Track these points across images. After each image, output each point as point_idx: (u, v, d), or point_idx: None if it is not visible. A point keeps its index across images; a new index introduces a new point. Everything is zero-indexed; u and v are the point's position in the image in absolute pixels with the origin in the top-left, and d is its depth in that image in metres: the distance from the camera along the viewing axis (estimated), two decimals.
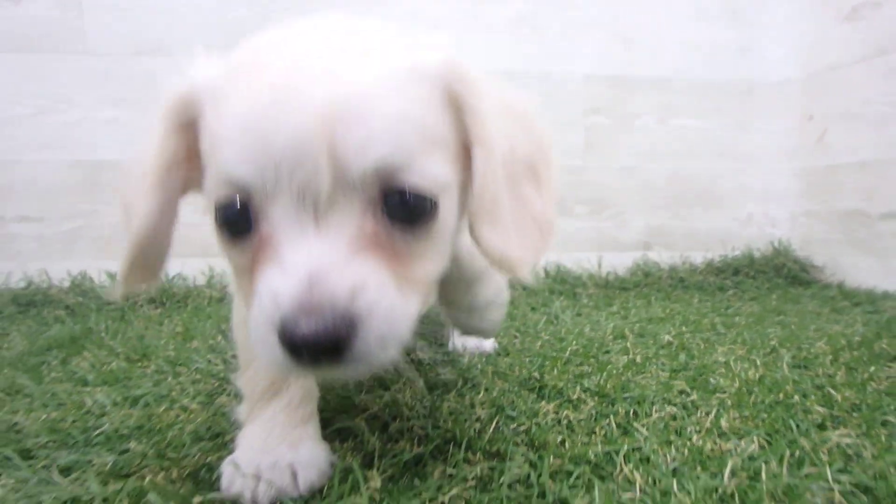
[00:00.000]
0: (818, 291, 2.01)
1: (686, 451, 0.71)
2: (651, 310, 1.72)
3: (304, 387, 0.72)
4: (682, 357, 1.15)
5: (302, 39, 0.57)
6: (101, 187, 2.05)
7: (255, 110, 0.51)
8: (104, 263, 2.01)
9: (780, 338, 1.31)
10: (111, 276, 1.99)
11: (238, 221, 0.54)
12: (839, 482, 0.62)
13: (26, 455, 0.73)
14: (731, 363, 1.09)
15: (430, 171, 0.54)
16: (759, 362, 1.10)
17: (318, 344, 0.47)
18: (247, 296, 0.55)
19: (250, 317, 0.52)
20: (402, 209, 0.54)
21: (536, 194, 0.65)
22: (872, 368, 1.04)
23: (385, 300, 0.51)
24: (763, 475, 0.63)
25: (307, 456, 0.67)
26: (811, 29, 2.23)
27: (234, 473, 0.64)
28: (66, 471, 0.68)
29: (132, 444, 0.75)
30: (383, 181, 0.52)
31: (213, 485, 0.65)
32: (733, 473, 0.64)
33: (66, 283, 1.96)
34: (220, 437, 0.78)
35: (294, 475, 0.64)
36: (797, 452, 0.69)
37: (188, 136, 0.59)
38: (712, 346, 1.25)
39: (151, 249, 0.62)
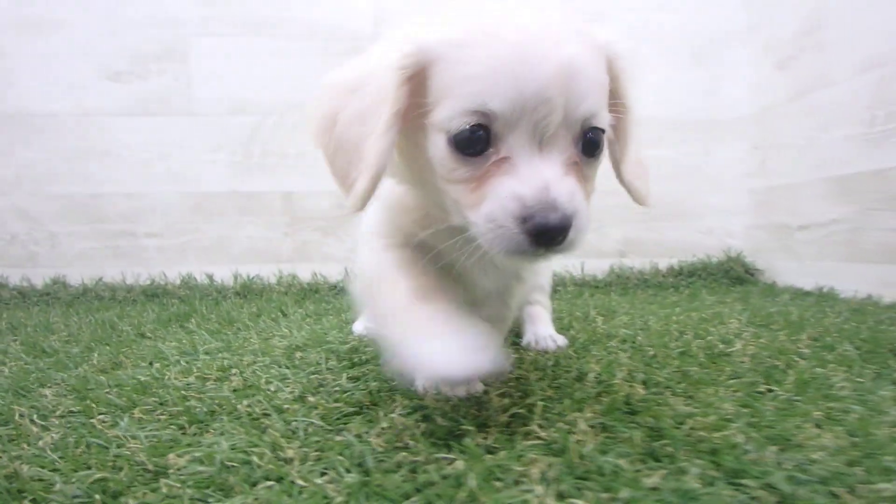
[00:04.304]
0: (748, 288, 2.50)
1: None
2: (606, 301, 2.26)
3: (452, 301, 0.82)
4: (590, 324, 1.72)
5: (517, 15, 0.72)
6: (203, 211, 2.79)
7: (508, 60, 0.67)
8: (205, 267, 2.76)
9: (665, 315, 1.85)
10: (209, 276, 2.73)
11: (476, 143, 0.70)
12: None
13: (170, 360, 1.40)
14: (622, 324, 1.66)
15: (606, 119, 0.75)
16: (626, 321, 1.66)
17: (557, 230, 0.67)
18: (467, 201, 0.72)
19: (481, 213, 0.70)
20: (590, 144, 0.74)
21: (636, 144, 0.86)
22: (694, 334, 1.59)
23: (584, 205, 0.71)
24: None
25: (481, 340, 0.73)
26: (756, 74, 2.75)
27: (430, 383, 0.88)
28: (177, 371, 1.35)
29: (224, 355, 1.41)
30: (584, 124, 0.72)
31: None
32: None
33: (178, 281, 2.71)
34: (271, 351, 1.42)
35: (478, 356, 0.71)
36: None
37: (412, 86, 0.73)
38: (615, 317, 1.80)
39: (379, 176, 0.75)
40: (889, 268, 1.99)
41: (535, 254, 0.70)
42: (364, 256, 0.95)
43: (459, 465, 0.67)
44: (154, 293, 2.59)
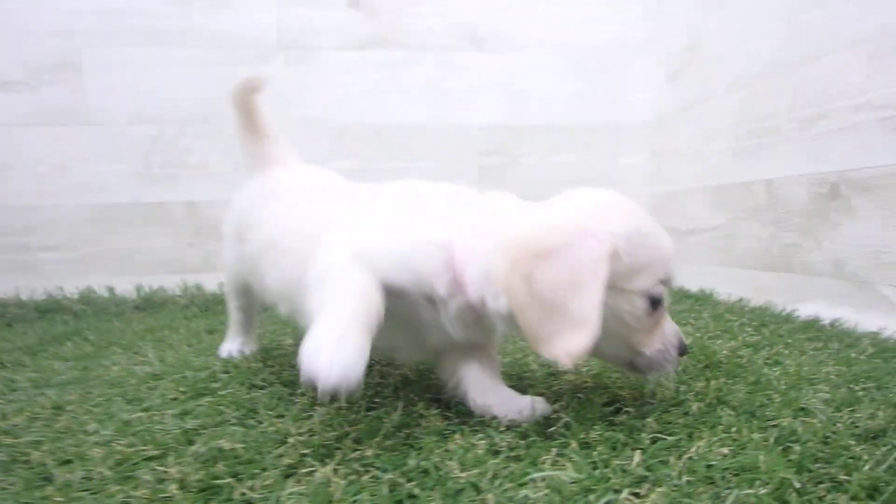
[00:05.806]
0: None
1: None
2: None
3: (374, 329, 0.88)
4: None
5: (636, 210, 1.04)
6: (104, 223, 2.75)
7: (672, 248, 1.00)
8: (108, 280, 2.72)
9: None
10: (110, 289, 2.70)
11: (659, 302, 0.97)
12: None
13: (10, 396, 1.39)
14: None
15: None
16: None
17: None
18: (642, 342, 0.99)
19: (654, 348, 1.00)
20: None
21: None
22: None
23: None
24: None
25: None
26: (652, 85, 2.82)
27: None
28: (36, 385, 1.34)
29: (74, 387, 1.40)
30: None
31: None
32: None
33: (76, 297, 2.67)
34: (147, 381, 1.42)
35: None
36: None
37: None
38: None
39: None
40: (755, 273, 2.09)
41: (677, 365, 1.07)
42: (337, 261, 1.01)
43: None
44: (48, 309, 2.54)
